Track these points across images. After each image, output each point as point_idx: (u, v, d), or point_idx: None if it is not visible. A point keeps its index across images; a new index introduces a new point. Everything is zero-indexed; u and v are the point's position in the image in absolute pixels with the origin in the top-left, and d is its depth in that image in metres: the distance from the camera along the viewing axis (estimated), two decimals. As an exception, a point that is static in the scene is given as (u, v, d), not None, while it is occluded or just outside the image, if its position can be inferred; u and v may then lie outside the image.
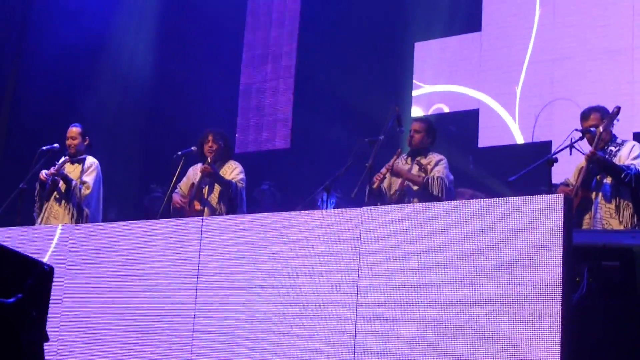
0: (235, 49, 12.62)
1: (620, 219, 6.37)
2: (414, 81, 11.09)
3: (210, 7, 12.60)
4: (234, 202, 7.42)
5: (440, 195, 6.97)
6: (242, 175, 7.58)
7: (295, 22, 12.17)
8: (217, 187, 7.50)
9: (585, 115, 6.72)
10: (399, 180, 7.24)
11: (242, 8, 12.75)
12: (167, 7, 13.03)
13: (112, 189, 9.19)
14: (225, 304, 5.23)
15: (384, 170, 7.23)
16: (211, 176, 7.45)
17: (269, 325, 5.02)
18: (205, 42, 12.59)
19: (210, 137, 7.62)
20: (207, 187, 7.55)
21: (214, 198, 7.50)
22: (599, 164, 6.39)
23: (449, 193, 7.09)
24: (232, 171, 7.59)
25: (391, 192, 7.28)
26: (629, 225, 6.35)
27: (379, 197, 7.28)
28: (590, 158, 6.39)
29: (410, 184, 7.18)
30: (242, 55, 12.63)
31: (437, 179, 7.02)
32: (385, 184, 7.30)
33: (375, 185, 7.15)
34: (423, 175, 7.13)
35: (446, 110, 10.80)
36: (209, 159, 7.49)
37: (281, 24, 12.33)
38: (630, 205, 6.40)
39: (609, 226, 6.33)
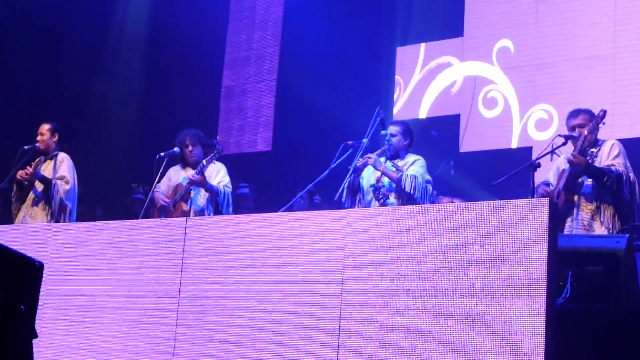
0: (218, 51, 12.59)
1: (602, 220, 6.41)
2: (396, 85, 11.13)
3: (193, 8, 12.57)
4: (221, 206, 7.42)
5: (413, 192, 7.00)
6: (227, 178, 7.60)
7: (279, 24, 12.15)
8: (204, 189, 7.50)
9: (574, 114, 6.78)
10: (377, 175, 7.25)
11: (224, 9, 12.73)
12: (149, 7, 13.00)
13: (97, 188, 9.17)
14: (208, 303, 5.21)
15: (367, 157, 7.20)
16: (201, 185, 7.44)
17: (252, 323, 5.01)
18: (187, 43, 12.55)
19: (187, 142, 7.63)
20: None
21: (200, 199, 7.49)
22: (581, 168, 6.43)
23: (424, 192, 7.11)
24: (218, 173, 7.58)
25: (368, 186, 7.29)
26: (610, 226, 6.39)
27: (355, 193, 7.29)
28: (572, 161, 6.43)
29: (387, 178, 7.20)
30: (224, 56, 12.60)
31: (410, 177, 7.06)
32: (364, 180, 7.32)
33: (359, 164, 7.16)
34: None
35: (428, 114, 10.83)
36: (202, 162, 7.45)
37: (264, 26, 12.32)
38: (611, 206, 6.45)
39: (591, 228, 6.37)
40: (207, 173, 7.53)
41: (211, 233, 5.38)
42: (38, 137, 7.99)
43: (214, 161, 7.62)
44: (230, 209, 7.56)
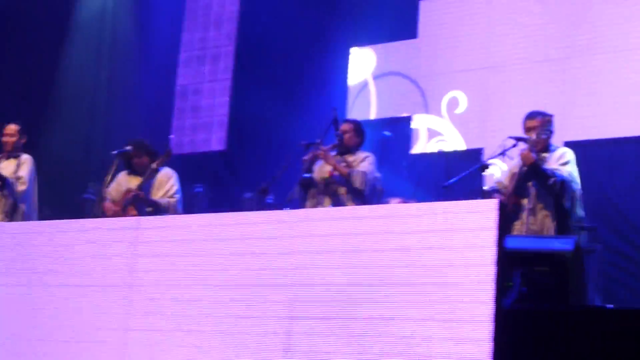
0: (172, 49, 12.53)
1: (535, 221, 6.53)
2: (349, 86, 11.15)
3: (149, 6, 12.51)
4: None
5: (362, 188, 7.08)
6: (176, 187, 7.43)
7: (234, 23, 12.13)
8: (155, 194, 7.39)
9: (531, 116, 6.86)
10: (328, 169, 7.29)
11: (179, 7, 12.67)
12: (105, 5, 12.91)
13: (48, 186, 9.05)
14: (159, 306, 5.18)
15: (318, 152, 7.23)
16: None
17: (202, 326, 4.98)
18: (142, 41, 12.49)
19: (131, 153, 7.49)
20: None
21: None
22: (531, 165, 6.50)
23: (373, 189, 7.19)
24: (168, 182, 7.43)
25: (319, 180, 7.32)
26: (541, 227, 6.49)
27: (308, 188, 7.32)
28: (521, 155, 6.51)
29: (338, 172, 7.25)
30: (179, 55, 12.55)
31: (360, 173, 7.12)
32: (315, 175, 7.35)
33: (306, 158, 7.20)
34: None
35: (381, 115, 10.87)
36: (152, 165, 7.33)
37: (219, 26, 12.29)
38: (548, 210, 6.53)
39: (539, 232, 6.47)
40: (158, 178, 7.41)
41: (162, 235, 5.33)
42: (5, 137, 7.88)
43: (165, 167, 7.50)
44: None
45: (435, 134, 10.38)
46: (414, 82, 10.67)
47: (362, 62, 11.14)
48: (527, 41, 9.85)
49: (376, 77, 11.00)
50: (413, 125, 10.52)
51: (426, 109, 10.48)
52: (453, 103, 10.29)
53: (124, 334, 5.23)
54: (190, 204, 10.34)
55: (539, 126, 6.66)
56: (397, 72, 10.85)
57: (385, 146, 9.91)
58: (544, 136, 6.69)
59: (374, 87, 11.01)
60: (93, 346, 5.32)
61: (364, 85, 11.07)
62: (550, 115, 6.73)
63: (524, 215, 6.57)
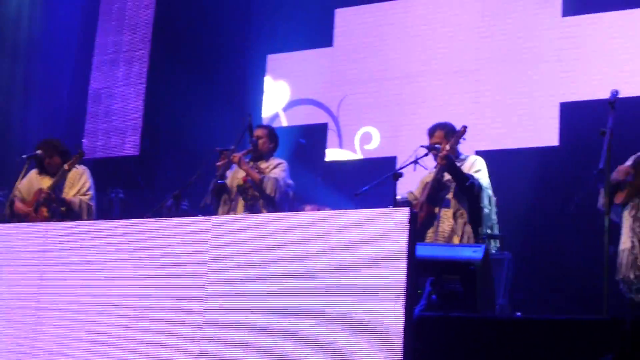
0: (86, 52, 12.35)
1: (454, 227, 6.61)
2: (265, 92, 11.16)
3: (62, 8, 12.32)
4: (80, 217, 7.18)
5: (273, 195, 7.11)
6: (88, 184, 7.33)
7: (149, 27, 12.00)
8: (67, 192, 7.29)
9: (430, 131, 6.97)
10: (242, 175, 7.30)
11: (94, 10, 12.50)
12: (18, 8, 12.66)
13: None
14: (68, 314, 5.11)
15: (232, 157, 7.23)
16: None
17: (114, 335, 4.93)
18: (55, 44, 12.28)
19: (44, 154, 7.36)
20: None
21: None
22: (449, 165, 6.58)
23: (285, 195, 7.22)
24: (79, 179, 7.32)
25: (233, 186, 7.31)
26: (461, 233, 6.59)
27: (220, 194, 7.31)
28: (443, 157, 6.58)
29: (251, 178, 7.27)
30: (92, 58, 12.37)
31: (272, 180, 7.15)
32: (228, 181, 7.35)
33: (219, 164, 7.18)
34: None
35: (296, 122, 10.90)
36: (64, 166, 7.21)
37: (134, 30, 12.15)
38: (466, 214, 6.64)
39: (450, 240, 6.55)
40: (70, 177, 7.30)
41: (73, 241, 5.26)
42: None
43: (77, 166, 7.39)
44: (91, 217, 7.35)
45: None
46: (327, 110, 10.72)
47: (274, 94, 11.16)
48: (440, 52, 9.98)
49: (287, 108, 11.04)
50: (327, 159, 10.58)
51: (340, 143, 10.55)
52: (366, 138, 10.38)
53: (32, 342, 5.15)
54: (102, 209, 10.21)
55: (452, 139, 6.75)
56: (310, 99, 10.88)
57: (300, 153, 9.94)
58: (456, 146, 6.80)
59: (286, 120, 11.06)
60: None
61: (275, 117, 11.10)
62: (463, 127, 6.82)
63: (436, 222, 6.66)
